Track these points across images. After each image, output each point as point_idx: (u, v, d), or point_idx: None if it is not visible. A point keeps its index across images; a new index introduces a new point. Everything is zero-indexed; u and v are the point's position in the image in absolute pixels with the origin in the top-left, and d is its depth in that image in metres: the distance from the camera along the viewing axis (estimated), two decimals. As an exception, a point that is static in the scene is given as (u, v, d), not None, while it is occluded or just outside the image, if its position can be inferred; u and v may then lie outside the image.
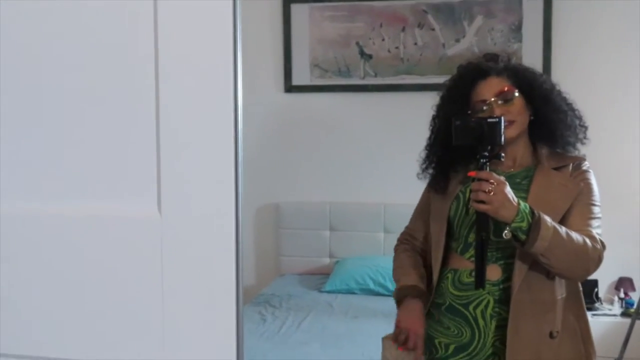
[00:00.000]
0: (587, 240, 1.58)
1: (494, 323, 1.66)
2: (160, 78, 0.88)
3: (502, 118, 1.57)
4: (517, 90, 1.67)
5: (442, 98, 1.78)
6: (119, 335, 0.93)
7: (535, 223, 1.53)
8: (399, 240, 1.92)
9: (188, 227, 0.89)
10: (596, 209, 1.66)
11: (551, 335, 1.62)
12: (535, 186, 1.67)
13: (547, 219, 1.55)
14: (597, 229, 1.64)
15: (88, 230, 0.92)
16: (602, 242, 1.61)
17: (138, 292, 0.91)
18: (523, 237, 1.54)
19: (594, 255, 1.58)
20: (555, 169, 1.69)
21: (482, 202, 1.53)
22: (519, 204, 1.54)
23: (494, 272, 1.67)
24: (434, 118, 1.79)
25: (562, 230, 1.55)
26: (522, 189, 1.67)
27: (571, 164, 1.69)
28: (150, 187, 0.90)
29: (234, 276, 0.86)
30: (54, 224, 0.92)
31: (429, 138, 1.79)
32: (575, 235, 1.57)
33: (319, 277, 4.05)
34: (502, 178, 1.57)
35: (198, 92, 0.88)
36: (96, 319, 0.93)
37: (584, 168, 1.70)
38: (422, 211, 1.85)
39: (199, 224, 0.89)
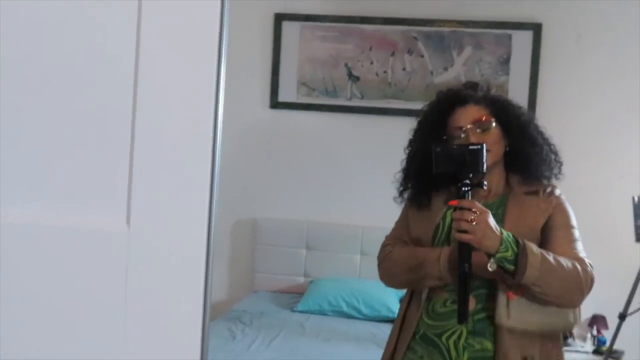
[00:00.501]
0: (577, 264, 1.56)
1: (466, 354, 1.64)
2: (139, 88, 0.85)
3: (484, 145, 1.56)
4: (494, 120, 1.66)
5: (420, 122, 1.77)
6: (80, 349, 0.89)
7: (521, 251, 1.50)
8: (387, 244, 1.81)
9: (157, 242, 0.86)
10: (576, 232, 1.65)
11: None
12: (510, 212, 1.66)
13: (533, 246, 1.52)
14: (583, 251, 1.63)
15: (51, 239, 0.88)
16: (590, 264, 1.59)
17: (100, 306, 0.88)
18: (511, 267, 1.51)
19: (586, 278, 1.56)
20: (527, 193, 1.68)
21: (465, 231, 1.50)
22: (501, 232, 1.51)
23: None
24: (411, 142, 1.78)
25: (550, 256, 1.53)
26: (497, 218, 1.66)
27: (542, 190, 1.69)
28: (120, 199, 0.87)
29: (201, 295, 0.83)
30: (15, 232, 0.89)
31: (406, 161, 1.78)
32: (563, 260, 1.54)
33: (292, 296, 4.00)
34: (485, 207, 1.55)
35: (177, 105, 0.85)
36: (56, 332, 0.89)
37: (557, 194, 1.69)
38: (403, 227, 1.81)
39: (169, 239, 0.86)
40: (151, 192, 0.86)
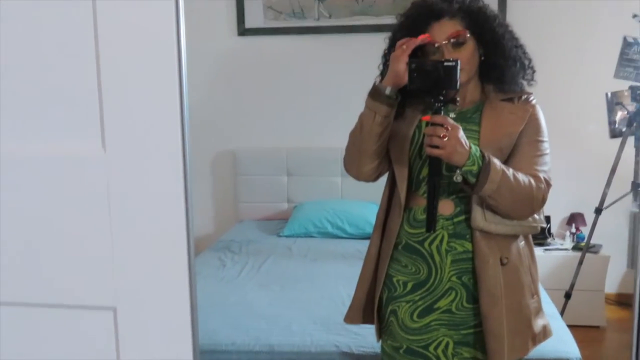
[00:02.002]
0: (532, 181, 1.62)
1: (449, 258, 1.69)
2: (99, 16, 0.84)
3: (459, 62, 1.57)
4: (468, 35, 1.66)
5: (394, 34, 1.75)
6: (68, 278, 0.91)
7: (485, 166, 1.56)
8: None
9: (134, 164, 0.87)
10: (544, 145, 1.69)
11: (501, 262, 1.67)
12: (486, 117, 1.69)
13: (497, 162, 1.58)
14: (544, 165, 1.67)
15: (32, 170, 0.89)
16: (547, 181, 1.65)
17: (86, 231, 0.89)
18: (473, 180, 1.58)
19: (538, 195, 1.63)
20: (502, 100, 1.71)
21: (436, 146, 1.54)
22: (470, 147, 1.56)
23: (446, 207, 1.69)
24: (386, 54, 1.77)
25: (510, 172, 1.59)
26: (473, 122, 1.69)
27: (517, 98, 1.71)
28: (93, 126, 0.87)
29: (183, 208, 0.84)
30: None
31: (381, 72, 1.77)
32: (521, 177, 1.60)
33: (277, 222, 4.06)
34: (456, 123, 1.57)
35: (138, 34, 0.84)
36: (44, 259, 0.91)
37: (532, 102, 1.72)
38: None
39: (145, 159, 0.87)
40: (122, 118, 0.87)
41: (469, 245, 1.68)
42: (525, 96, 1.72)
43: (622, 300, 3.97)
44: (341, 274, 3.03)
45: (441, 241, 1.70)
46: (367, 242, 1.88)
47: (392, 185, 1.80)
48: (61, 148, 0.89)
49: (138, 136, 0.86)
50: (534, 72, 1.74)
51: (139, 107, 0.85)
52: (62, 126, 0.89)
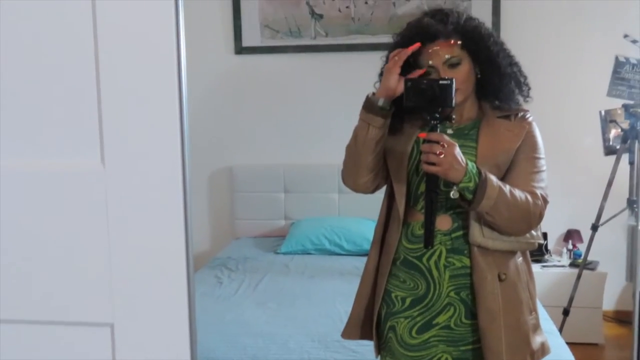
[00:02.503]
0: (529, 197, 1.63)
1: (447, 273, 1.69)
2: (99, 32, 0.85)
3: (454, 80, 1.58)
4: (464, 55, 1.67)
5: (390, 52, 1.77)
6: (65, 294, 0.91)
7: (482, 183, 1.57)
8: None
9: (133, 179, 0.87)
10: (540, 162, 1.70)
11: (500, 278, 1.67)
12: (483, 134, 1.70)
13: (493, 178, 1.59)
14: (541, 182, 1.68)
15: (31, 185, 0.89)
16: (543, 198, 1.65)
17: (84, 247, 0.89)
18: (470, 196, 1.59)
19: (535, 211, 1.63)
20: (499, 117, 1.72)
21: (433, 163, 1.55)
22: (467, 164, 1.57)
23: (444, 222, 1.70)
24: (382, 73, 1.78)
25: (507, 188, 1.60)
26: (470, 139, 1.70)
27: (514, 115, 1.72)
28: (93, 140, 0.87)
29: (182, 224, 0.84)
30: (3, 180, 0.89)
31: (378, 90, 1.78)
32: (518, 193, 1.61)
33: (274, 239, 4.05)
34: (452, 140, 1.58)
35: (137, 52, 0.85)
36: (41, 275, 0.91)
37: (529, 119, 1.73)
38: None
39: (144, 175, 0.87)
40: (121, 133, 0.87)
41: (467, 261, 1.69)
42: (522, 113, 1.73)
43: (620, 318, 3.96)
44: (339, 291, 3.02)
45: (439, 256, 1.70)
46: (364, 259, 1.88)
47: (390, 200, 1.81)
48: (60, 163, 0.88)
49: (138, 151, 0.86)
50: (529, 89, 1.76)
51: (138, 122, 0.85)
52: (61, 141, 0.88)
